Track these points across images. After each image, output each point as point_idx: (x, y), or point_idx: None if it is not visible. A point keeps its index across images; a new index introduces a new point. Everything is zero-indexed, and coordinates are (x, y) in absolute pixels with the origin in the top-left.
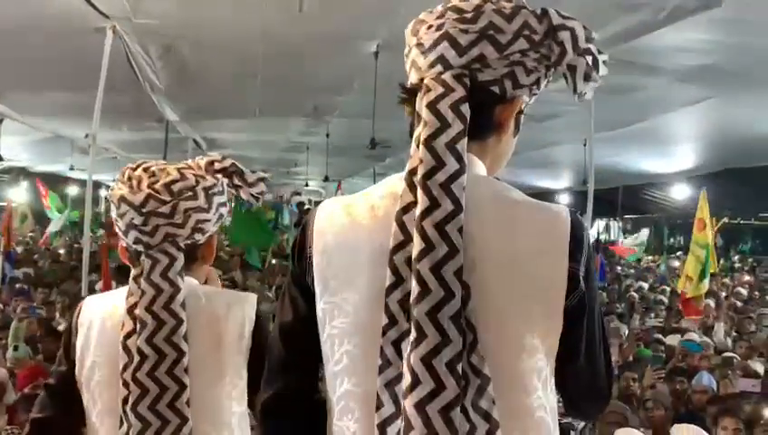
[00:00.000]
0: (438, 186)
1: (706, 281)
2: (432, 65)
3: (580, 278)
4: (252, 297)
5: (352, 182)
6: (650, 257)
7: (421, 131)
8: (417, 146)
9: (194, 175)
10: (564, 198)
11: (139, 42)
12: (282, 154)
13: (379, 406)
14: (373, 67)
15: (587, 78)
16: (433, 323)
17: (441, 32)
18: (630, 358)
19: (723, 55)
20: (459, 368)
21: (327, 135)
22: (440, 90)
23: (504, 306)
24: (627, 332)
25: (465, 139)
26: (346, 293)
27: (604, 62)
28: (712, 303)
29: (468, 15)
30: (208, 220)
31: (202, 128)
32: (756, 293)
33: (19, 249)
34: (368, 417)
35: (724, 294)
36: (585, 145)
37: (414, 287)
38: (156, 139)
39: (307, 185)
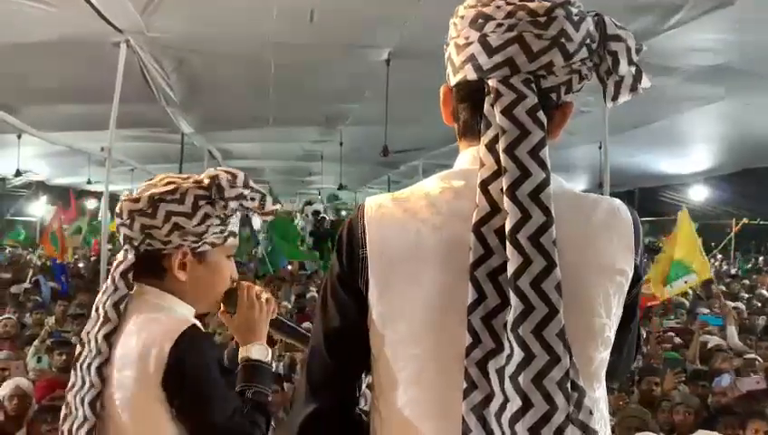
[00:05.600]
0: (527, 196)
1: (670, 288)
2: (498, 67)
3: (641, 269)
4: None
5: (367, 191)
6: None
7: (495, 138)
8: (490, 152)
9: (168, 181)
10: None
11: (153, 55)
12: (296, 163)
13: (465, 432)
14: (385, 74)
15: (633, 89)
16: (540, 341)
17: (513, 33)
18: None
19: (735, 55)
20: (568, 386)
21: (340, 143)
22: (513, 95)
23: (594, 308)
24: (644, 334)
25: (547, 146)
26: (410, 293)
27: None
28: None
29: (542, 20)
30: (156, 227)
31: (216, 139)
32: None
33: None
34: (443, 432)
35: (746, 295)
36: (600, 147)
37: (516, 306)
38: (172, 150)
39: (320, 195)
